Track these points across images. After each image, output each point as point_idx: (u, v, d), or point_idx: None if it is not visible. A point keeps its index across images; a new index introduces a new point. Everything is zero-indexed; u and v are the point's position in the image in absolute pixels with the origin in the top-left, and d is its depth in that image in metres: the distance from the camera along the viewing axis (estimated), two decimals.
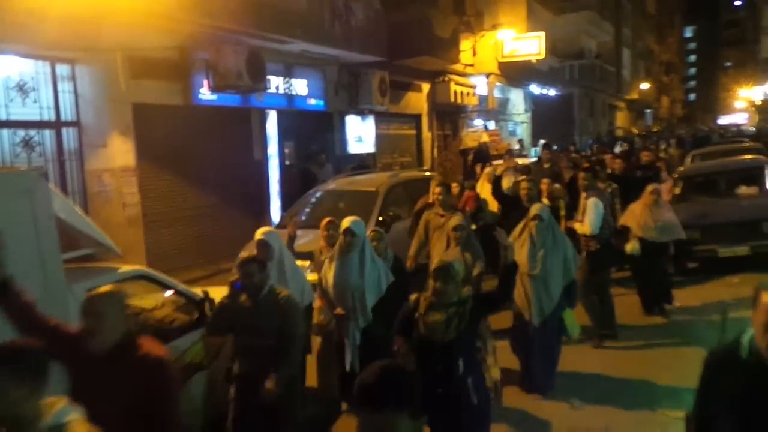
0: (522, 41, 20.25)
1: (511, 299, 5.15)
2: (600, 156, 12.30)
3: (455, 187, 9.21)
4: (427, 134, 18.12)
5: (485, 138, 19.15)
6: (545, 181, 8.04)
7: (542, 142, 20.31)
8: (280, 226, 9.47)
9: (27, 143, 8.05)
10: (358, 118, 14.71)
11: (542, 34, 20.30)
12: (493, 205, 8.51)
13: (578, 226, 6.76)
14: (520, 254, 5.23)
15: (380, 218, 8.47)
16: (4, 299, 2.84)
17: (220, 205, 10.83)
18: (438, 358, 3.65)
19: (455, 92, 17.93)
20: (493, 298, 4.02)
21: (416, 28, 14.65)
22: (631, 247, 7.23)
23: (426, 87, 17.68)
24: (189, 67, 9.70)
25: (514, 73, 22.19)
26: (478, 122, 21.41)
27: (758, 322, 2.24)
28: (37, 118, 8.13)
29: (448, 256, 5.25)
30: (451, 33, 16.52)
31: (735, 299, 7.43)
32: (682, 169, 11.82)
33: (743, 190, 9.69)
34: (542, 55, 20.55)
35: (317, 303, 5.28)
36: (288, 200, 11.91)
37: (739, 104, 70.50)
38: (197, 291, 4.92)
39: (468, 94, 18.89)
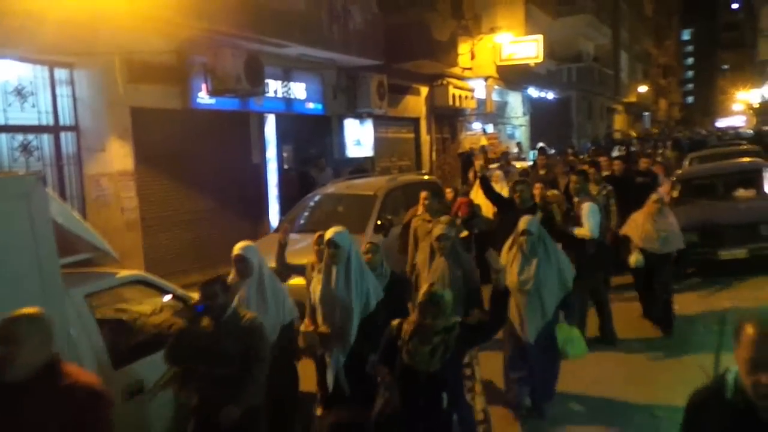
0: (520, 44, 20.27)
1: (503, 324, 4.90)
2: (595, 158, 12.21)
3: (449, 193, 9.11)
4: (425, 138, 18.13)
5: (483, 141, 19.17)
6: (538, 186, 7.82)
7: (540, 145, 20.35)
8: (278, 230, 9.48)
9: (25, 148, 8.04)
10: (357, 121, 14.72)
11: (540, 38, 20.32)
12: (488, 211, 8.32)
13: (578, 231, 6.66)
14: (511, 270, 5.07)
15: (378, 222, 8.47)
16: None
17: (219, 209, 10.83)
18: (421, 390, 3.44)
19: (453, 95, 17.95)
20: (484, 326, 3.83)
21: (414, 32, 14.67)
22: (635, 259, 7.00)
23: (424, 90, 17.70)
24: (187, 71, 9.71)
25: (513, 77, 22.21)
26: (477, 125, 21.43)
27: (742, 358, 2.02)
28: (35, 122, 8.12)
29: (435, 271, 5.11)
30: (449, 36, 16.54)
31: (733, 303, 7.46)
32: (680, 171, 11.83)
33: (741, 192, 9.71)
34: (540, 59, 20.58)
35: (304, 324, 4.93)
36: (286, 204, 11.91)
37: (736, 107, 70.61)
38: (195, 296, 4.91)
39: (466, 97, 18.91)
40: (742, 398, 2.04)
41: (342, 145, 14.28)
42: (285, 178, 12.60)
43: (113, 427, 2.53)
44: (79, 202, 8.55)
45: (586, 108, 34.43)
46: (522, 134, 26.67)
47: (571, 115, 31.77)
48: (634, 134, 38.01)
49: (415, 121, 17.82)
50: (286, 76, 11.96)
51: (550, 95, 27.58)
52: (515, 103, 26.11)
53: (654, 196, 7.13)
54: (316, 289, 4.75)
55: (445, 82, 17.76)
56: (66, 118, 8.45)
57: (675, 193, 10.08)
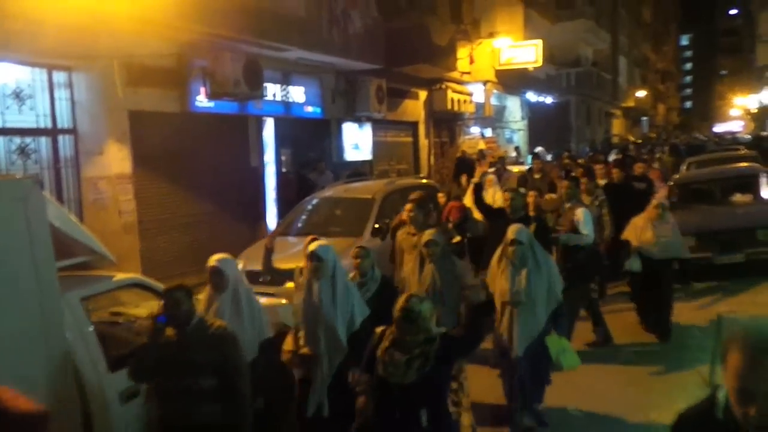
0: (519, 49, 20.32)
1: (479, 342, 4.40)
2: (591, 164, 12.15)
3: (441, 197, 8.92)
4: (424, 141, 18.15)
5: (482, 145, 19.17)
6: (532, 193, 7.64)
7: (537, 149, 20.37)
8: (276, 233, 9.48)
9: (23, 150, 8.03)
10: (355, 125, 14.73)
11: (539, 42, 20.37)
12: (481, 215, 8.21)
13: (580, 238, 6.62)
14: (500, 281, 4.90)
15: (376, 225, 8.47)
16: None
17: (217, 212, 10.82)
18: (396, 403, 3.22)
19: (452, 100, 17.97)
20: (464, 341, 3.66)
21: (413, 36, 14.69)
22: (632, 263, 6.89)
23: (423, 94, 17.72)
24: (186, 75, 9.71)
25: (511, 81, 22.25)
26: (475, 130, 21.46)
27: (730, 386, 1.85)
28: (33, 125, 8.11)
29: (425, 278, 4.99)
30: (448, 41, 16.57)
31: (731, 307, 7.46)
32: (677, 176, 11.85)
33: (738, 197, 9.73)
34: (539, 63, 20.62)
35: (286, 343, 4.58)
36: (284, 207, 11.91)
37: (734, 112, 70.76)
38: None
39: (465, 101, 18.93)
40: (733, 418, 1.88)
41: (340, 149, 14.29)
42: (283, 182, 12.61)
43: None
44: (76, 205, 8.55)
45: (585, 112, 34.51)
46: (520, 138, 26.70)
47: (569, 120, 31.84)
48: (632, 138, 38.09)
49: (414, 125, 17.84)
50: (285, 80, 11.97)
51: (549, 100, 27.63)
52: (514, 107, 26.15)
53: (655, 201, 7.06)
54: (298, 305, 4.48)
55: (443, 86, 17.79)
56: (64, 121, 8.45)
57: (673, 198, 10.09)
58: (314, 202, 9.61)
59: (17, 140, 7.97)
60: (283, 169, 12.90)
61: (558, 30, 27.15)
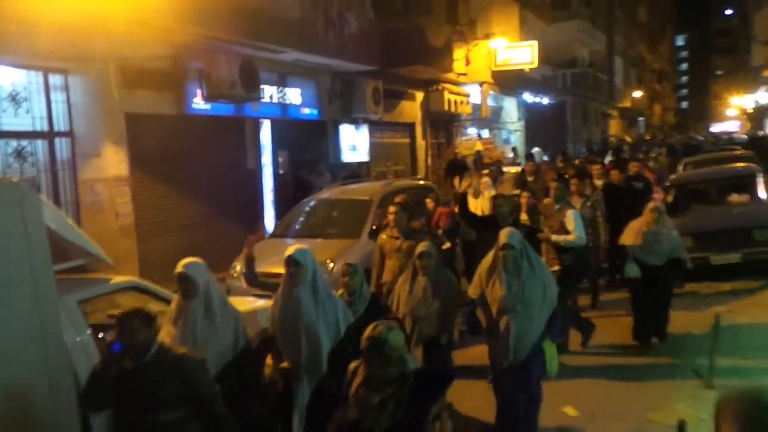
0: (515, 50, 20.36)
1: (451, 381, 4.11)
2: (586, 165, 12.01)
3: (429, 203, 8.69)
4: (421, 143, 18.16)
5: (479, 146, 19.20)
6: (525, 194, 7.40)
7: (534, 150, 20.39)
8: (274, 235, 9.48)
9: (19, 153, 8.02)
10: (352, 126, 14.73)
11: (535, 43, 20.42)
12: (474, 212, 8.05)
13: (567, 238, 6.52)
14: (493, 290, 4.64)
15: (374, 227, 8.47)
16: None
17: (214, 214, 10.81)
18: None
19: (449, 101, 17.99)
20: (440, 378, 3.29)
21: (409, 38, 14.71)
22: (630, 269, 6.62)
23: (420, 96, 17.73)
24: (182, 77, 9.70)
25: (508, 82, 22.29)
26: (472, 131, 21.49)
27: None
28: (29, 128, 8.10)
29: (417, 292, 4.85)
30: (444, 42, 16.60)
31: (727, 307, 7.48)
32: (674, 176, 11.88)
33: (735, 197, 9.74)
34: (535, 64, 20.66)
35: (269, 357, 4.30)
36: (282, 209, 11.90)
37: (731, 112, 70.96)
38: None
39: (462, 102, 18.96)
40: None
41: (337, 150, 14.29)
42: (280, 183, 12.60)
43: None
44: (73, 208, 8.54)
45: (581, 113, 34.58)
46: (517, 139, 26.75)
47: (566, 120, 31.91)
48: (628, 139, 38.17)
49: (411, 126, 17.85)
50: (281, 82, 11.97)
51: (545, 100, 27.70)
52: (510, 108, 26.20)
53: (651, 204, 6.78)
54: (275, 315, 4.18)
55: (440, 87, 17.81)
56: (60, 123, 8.44)
57: (669, 198, 10.11)
58: (312, 203, 9.61)
59: (14, 143, 7.96)
60: (280, 171, 12.89)
61: (554, 31, 27.22)
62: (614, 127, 45.36)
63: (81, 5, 7.43)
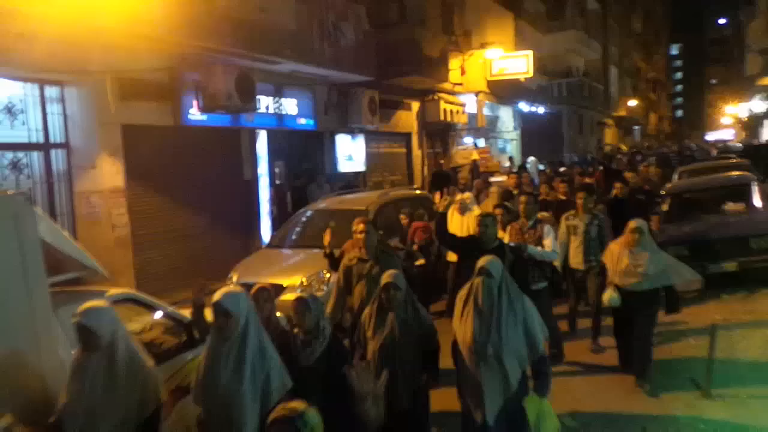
0: (510, 60, 20.48)
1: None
2: (575, 175, 11.75)
3: (403, 219, 8.50)
4: (417, 152, 18.20)
5: (475, 156, 19.23)
6: (498, 211, 6.79)
7: (530, 159, 20.40)
8: (270, 245, 9.47)
9: (15, 165, 8.01)
10: (348, 137, 14.76)
11: (530, 53, 20.53)
12: (460, 231, 7.49)
13: (542, 249, 6.24)
14: (465, 326, 3.94)
15: None
16: None
17: (210, 225, 10.80)
18: None
19: (445, 110, 18.06)
20: None
21: (405, 48, 14.79)
22: (608, 296, 5.87)
23: (416, 105, 17.79)
24: (178, 88, 9.72)
25: (503, 92, 22.39)
26: (468, 140, 21.54)
27: None
28: (25, 140, 8.10)
29: (385, 329, 4.17)
30: (439, 52, 16.68)
31: (724, 316, 7.48)
32: (669, 185, 11.88)
33: (730, 206, 9.75)
34: (530, 74, 20.77)
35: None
36: (278, 220, 11.91)
37: (725, 120, 71.29)
38: (186, 313, 4.88)
39: (457, 112, 19.02)
40: None
41: (334, 161, 14.31)
42: (277, 194, 12.61)
43: None
44: (69, 220, 8.52)
45: (577, 122, 34.72)
46: (513, 148, 26.83)
47: (562, 130, 32.03)
48: (624, 148, 38.29)
49: (407, 136, 17.89)
50: (277, 92, 12.00)
51: (541, 110, 27.80)
52: (506, 117, 26.29)
53: (631, 224, 5.80)
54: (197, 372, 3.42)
55: (436, 97, 17.88)
56: (56, 135, 8.44)
57: (665, 207, 10.11)
58: (308, 214, 9.60)
59: (9, 155, 7.95)
60: (277, 182, 12.90)
61: (549, 41, 27.39)
62: (610, 136, 45.52)
63: (77, 18, 7.45)
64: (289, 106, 12.38)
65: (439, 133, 19.51)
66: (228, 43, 9.66)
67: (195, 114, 10.00)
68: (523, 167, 17.56)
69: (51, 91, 8.35)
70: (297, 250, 8.71)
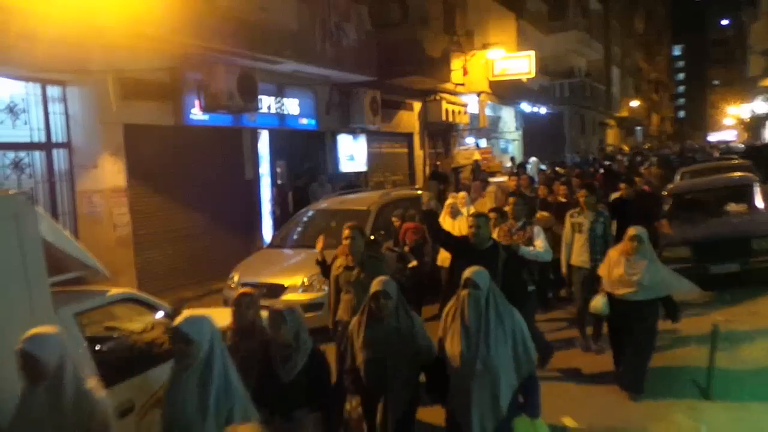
0: (512, 60, 20.47)
1: None
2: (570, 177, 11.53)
3: (395, 221, 8.33)
4: (419, 152, 18.20)
5: (477, 156, 19.22)
6: (492, 215, 6.41)
7: (531, 159, 20.38)
8: (272, 245, 9.47)
9: (17, 165, 8.02)
10: (350, 137, 14.76)
11: (532, 54, 20.52)
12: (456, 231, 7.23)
13: (533, 250, 6.11)
14: (453, 341, 3.75)
15: (372, 237, 8.45)
16: None
17: (212, 225, 10.81)
18: None
19: (447, 111, 18.06)
20: None
21: (407, 48, 14.78)
22: (597, 303, 5.70)
23: (417, 106, 17.79)
24: (180, 88, 9.73)
25: (505, 92, 22.38)
26: (470, 140, 21.54)
27: None
28: (27, 139, 8.11)
29: (376, 340, 3.89)
30: (441, 52, 16.67)
31: (726, 317, 7.47)
32: (671, 186, 11.87)
33: (733, 207, 9.73)
34: (532, 74, 20.76)
35: None
36: (280, 219, 11.92)
37: (728, 121, 71.22)
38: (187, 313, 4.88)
39: (459, 112, 19.02)
40: None
41: (336, 161, 14.32)
42: (278, 194, 12.61)
43: None
44: (71, 219, 8.53)
45: (579, 123, 34.69)
46: (515, 149, 26.82)
47: (563, 130, 32.00)
48: (626, 148, 38.26)
49: (409, 137, 17.89)
50: (279, 92, 12.01)
51: (543, 110, 27.79)
52: (508, 117, 26.28)
53: (631, 231, 5.58)
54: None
55: (438, 97, 17.88)
56: (58, 135, 8.45)
57: (667, 208, 10.10)
58: (309, 213, 9.61)
59: (11, 155, 7.96)
60: (279, 181, 12.91)
61: (551, 41, 27.38)
62: (612, 136, 45.49)
63: (79, 17, 7.46)
64: (291, 106, 12.39)
65: (441, 134, 19.51)
66: (230, 43, 9.67)
67: (197, 114, 10.00)
68: (521, 168, 17.50)
69: (53, 91, 8.35)
70: (298, 250, 8.71)
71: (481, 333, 3.67)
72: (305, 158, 13.87)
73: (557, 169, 17.12)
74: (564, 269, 7.15)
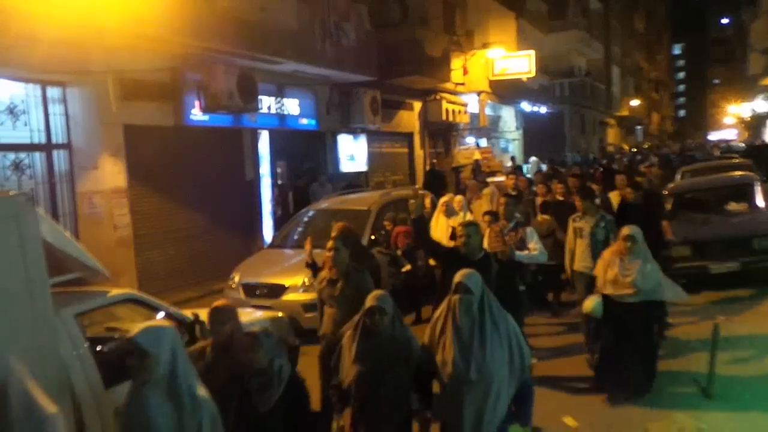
0: (512, 60, 20.46)
1: None
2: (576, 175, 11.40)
3: (387, 225, 8.23)
4: (419, 152, 18.20)
5: (477, 155, 19.22)
6: (486, 218, 6.32)
7: (532, 159, 20.38)
8: (272, 245, 9.47)
9: (17, 166, 8.03)
10: (350, 136, 14.76)
11: (532, 53, 20.51)
12: (445, 234, 7.16)
13: (528, 254, 6.06)
14: (444, 348, 3.58)
15: (372, 237, 8.46)
16: None
17: (212, 225, 10.81)
18: None
19: (447, 110, 18.05)
20: None
21: (407, 48, 14.78)
22: (589, 304, 5.66)
23: (418, 105, 17.79)
24: (180, 89, 9.73)
25: (505, 91, 22.37)
26: (470, 140, 21.54)
27: None
28: (27, 140, 8.12)
29: (368, 355, 3.65)
30: (441, 52, 16.67)
31: (726, 316, 7.46)
32: (672, 185, 11.86)
33: (733, 206, 9.73)
34: (532, 74, 20.75)
35: None
36: (280, 219, 11.92)
37: (728, 120, 71.17)
38: (188, 313, 4.89)
39: (460, 112, 19.02)
40: None
41: (336, 161, 14.32)
42: (279, 194, 12.62)
43: None
44: (71, 220, 8.53)
45: (579, 122, 34.67)
46: (516, 148, 26.81)
47: (564, 129, 31.99)
48: (626, 148, 38.26)
49: (409, 136, 17.89)
50: (279, 92, 12.01)
51: (543, 109, 27.78)
52: (508, 117, 26.28)
53: (625, 231, 5.50)
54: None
55: (438, 97, 17.87)
56: (58, 136, 8.45)
57: (668, 207, 10.09)
58: (310, 213, 9.61)
59: (11, 156, 7.97)
60: (279, 182, 12.91)
61: (551, 41, 27.36)
62: (612, 135, 45.47)
63: (79, 18, 7.46)
64: (291, 106, 12.39)
65: (441, 133, 19.51)
66: (230, 44, 9.67)
67: (197, 114, 10.01)
68: (519, 168, 17.46)
69: (53, 92, 8.36)
70: (299, 251, 8.70)
71: (475, 339, 3.52)
72: (305, 158, 13.87)
73: (556, 167, 17.08)
74: (568, 274, 7.14)
